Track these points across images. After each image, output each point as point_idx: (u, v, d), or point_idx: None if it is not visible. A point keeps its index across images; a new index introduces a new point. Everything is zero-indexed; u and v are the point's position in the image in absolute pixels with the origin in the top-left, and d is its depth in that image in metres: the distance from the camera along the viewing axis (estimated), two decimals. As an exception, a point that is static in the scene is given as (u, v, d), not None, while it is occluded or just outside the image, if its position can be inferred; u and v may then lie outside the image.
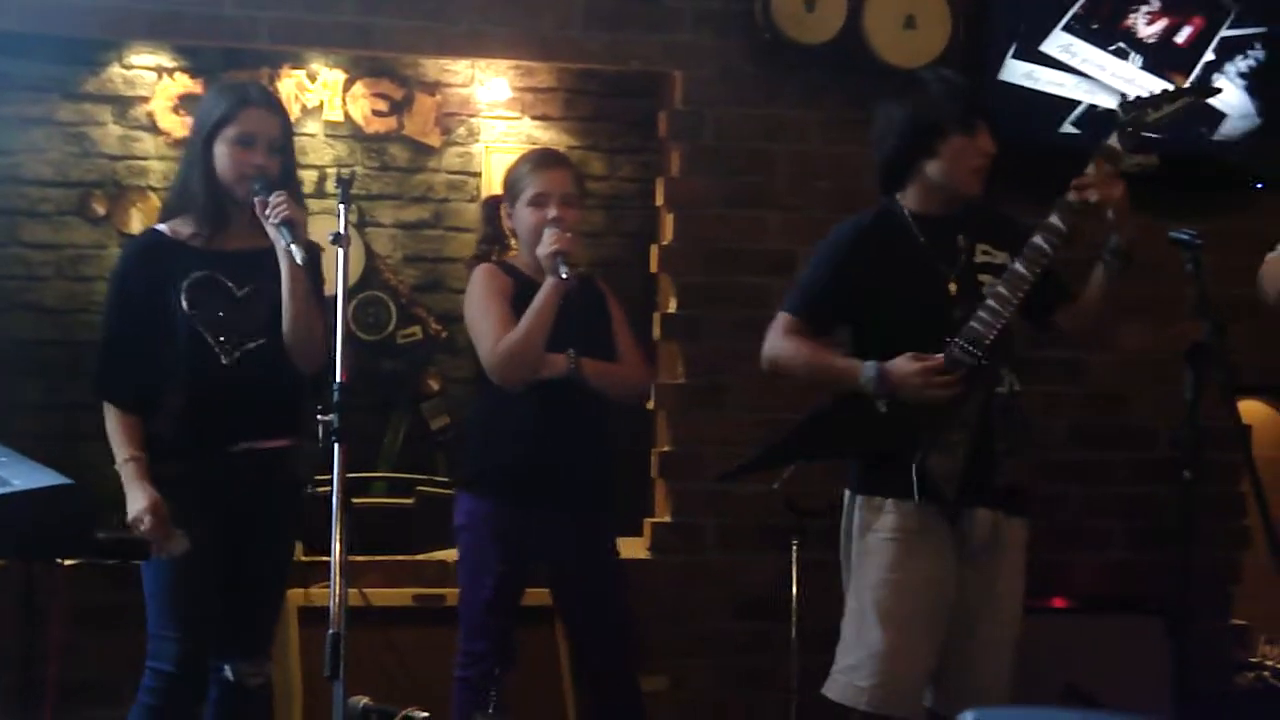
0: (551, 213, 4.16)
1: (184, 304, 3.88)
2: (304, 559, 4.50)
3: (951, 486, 3.72)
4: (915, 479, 3.72)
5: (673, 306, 5.33)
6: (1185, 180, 5.24)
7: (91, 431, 5.34)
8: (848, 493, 3.87)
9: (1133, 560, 5.42)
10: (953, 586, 3.77)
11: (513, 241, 4.36)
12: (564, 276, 4.08)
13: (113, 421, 3.94)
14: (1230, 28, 5.22)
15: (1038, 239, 3.69)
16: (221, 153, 3.91)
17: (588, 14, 5.18)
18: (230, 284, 3.92)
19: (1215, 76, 5.20)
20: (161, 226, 4.01)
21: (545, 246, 4.10)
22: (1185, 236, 3.60)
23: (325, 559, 3.51)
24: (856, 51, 5.22)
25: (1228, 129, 5.30)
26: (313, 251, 3.86)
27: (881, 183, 3.91)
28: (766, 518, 5.04)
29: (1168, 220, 3.74)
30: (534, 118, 5.78)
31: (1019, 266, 3.69)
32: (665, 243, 5.37)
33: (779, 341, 3.87)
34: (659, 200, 5.44)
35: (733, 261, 5.29)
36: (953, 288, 3.78)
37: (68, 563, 4.12)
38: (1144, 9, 5.22)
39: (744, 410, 5.14)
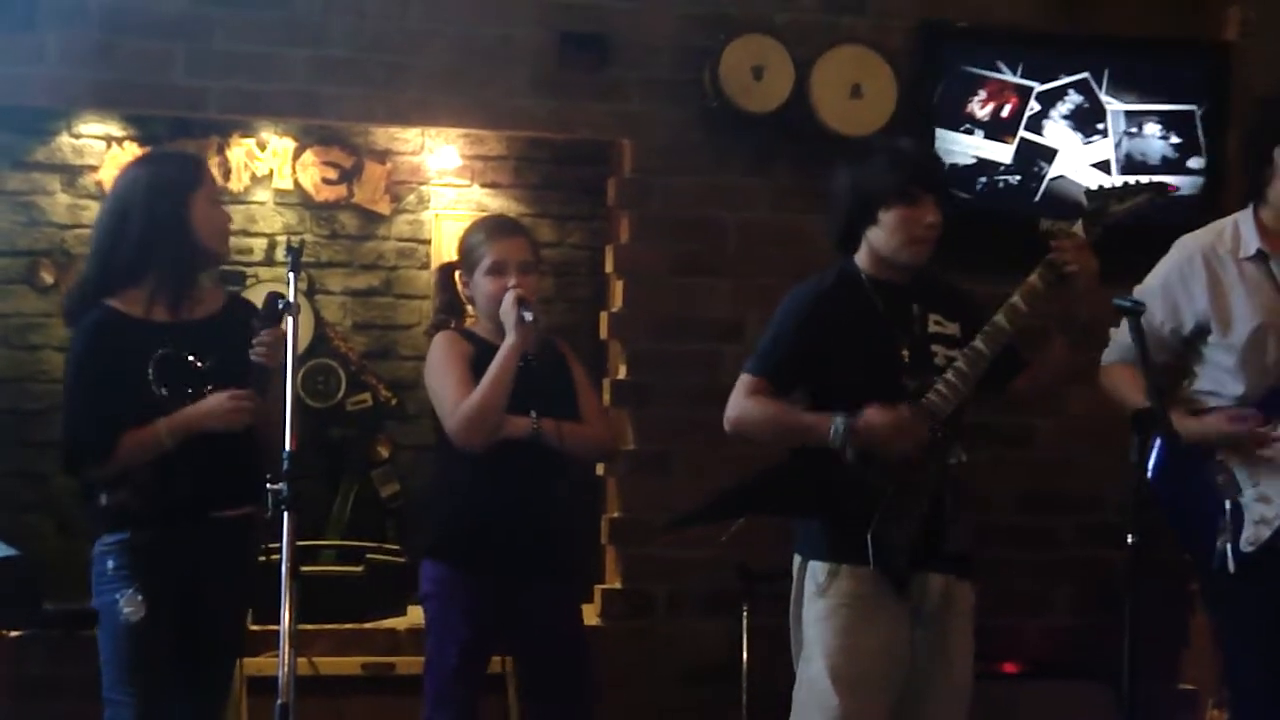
0: (510, 281, 4.17)
1: (151, 382, 3.86)
2: (253, 628, 4.47)
3: (903, 556, 3.73)
4: (870, 546, 3.73)
5: (622, 373, 5.34)
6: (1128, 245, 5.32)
7: (36, 501, 5.35)
8: (797, 558, 3.87)
9: (1081, 625, 5.44)
10: (906, 651, 3.78)
11: (470, 309, 4.36)
12: (529, 320, 4.09)
13: (111, 466, 3.85)
14: (1045, 82, 5.41)
15: (1000, 318, 3.73)
16: (201, 212, 3.92)
17: (537, 82, 5.21)
18: (193, 358, 3.91)
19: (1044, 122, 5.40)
20: (111, 303, 3.95)
21: (506, 303, 4.12)
22: (1128, 303, 3.65)
23: (274, 628, 3.49)
24: (804, 120, 5.27)
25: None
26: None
27: (836, 246, 3.95)
28: (717, 584, 5.04)
29: (1109, 285, 3.80)
30: (484, 185, 5.80)
31: (980, 345, 3.73)
32: (615, 309, 5.39)
33: (743, 402, 3.88)
34: (608, 267, 5.46)
35: (682, 328, 5.31)
36: (905, 354, 3.81)
37: (13, 634, 4.09)
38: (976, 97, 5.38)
39: (693, 477, 5.15)
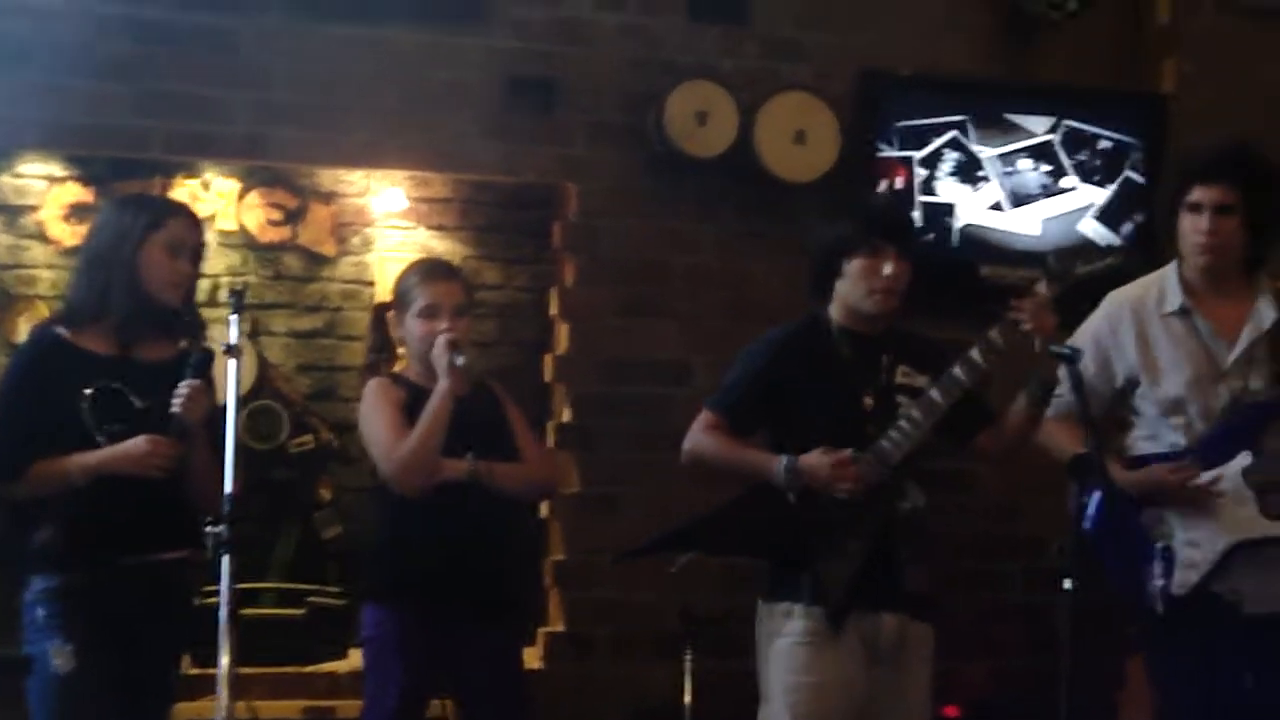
0: (443, 324, 4.17)
1: (83, 413, 3.83)
2: (191, 671, 4.42)
3: (838, 592, 3.76)
4: (808, 584, 3.77)
5: (567, 416, 5.35)
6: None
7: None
8: (760, 601, 3.91)
9: (1023, 668, 5.46)
10: (864, 689, 3.81)
11: (401, 350, 4.35)
12: (460, 364, 4.09)
13: (18, 488, 3.81)
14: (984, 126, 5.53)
15: (957, 370, 3.78)
16: (151, 259, 3.88)
17: (482, 126, 5.23)
18: (132, 396, 3.88)
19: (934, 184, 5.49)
20: (61, 330, 3.94)
21: (438, 347, 4.12)
22: (1065, 351, 3.68)
23: (212, 671, 3.46)
24: (748, 165, 5.31)
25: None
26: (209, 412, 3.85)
27: (812, 296, 3.98)
28: (660, 626, 5.04)
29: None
30: (429, 227, 5.80)
31: (935, 394, 3.78)
32: (560, 353, 5.39)
33: (699, 436, 3.95)
34: (553, 310, 5.47)
35: (627, 372, 5.33)
36: (869, 402, 3.84)
37: (-55, 680, 4.03)
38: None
39: (639, 519, 5.14)
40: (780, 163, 5.32)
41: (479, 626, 4.13)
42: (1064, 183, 5.55)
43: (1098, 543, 3.98)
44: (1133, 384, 4.07)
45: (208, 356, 3.85)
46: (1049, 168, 5.55)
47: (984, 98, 5.52)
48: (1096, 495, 3.99)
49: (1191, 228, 4.01)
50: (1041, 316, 3.75)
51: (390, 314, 4.33)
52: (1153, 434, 4.07)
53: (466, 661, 4.14)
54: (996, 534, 5.58)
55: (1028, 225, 5.52)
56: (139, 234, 3.89)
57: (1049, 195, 5.54)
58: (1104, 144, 5.57)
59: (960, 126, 5.48)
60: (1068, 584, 3.39)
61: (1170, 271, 4.09)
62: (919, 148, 5.45)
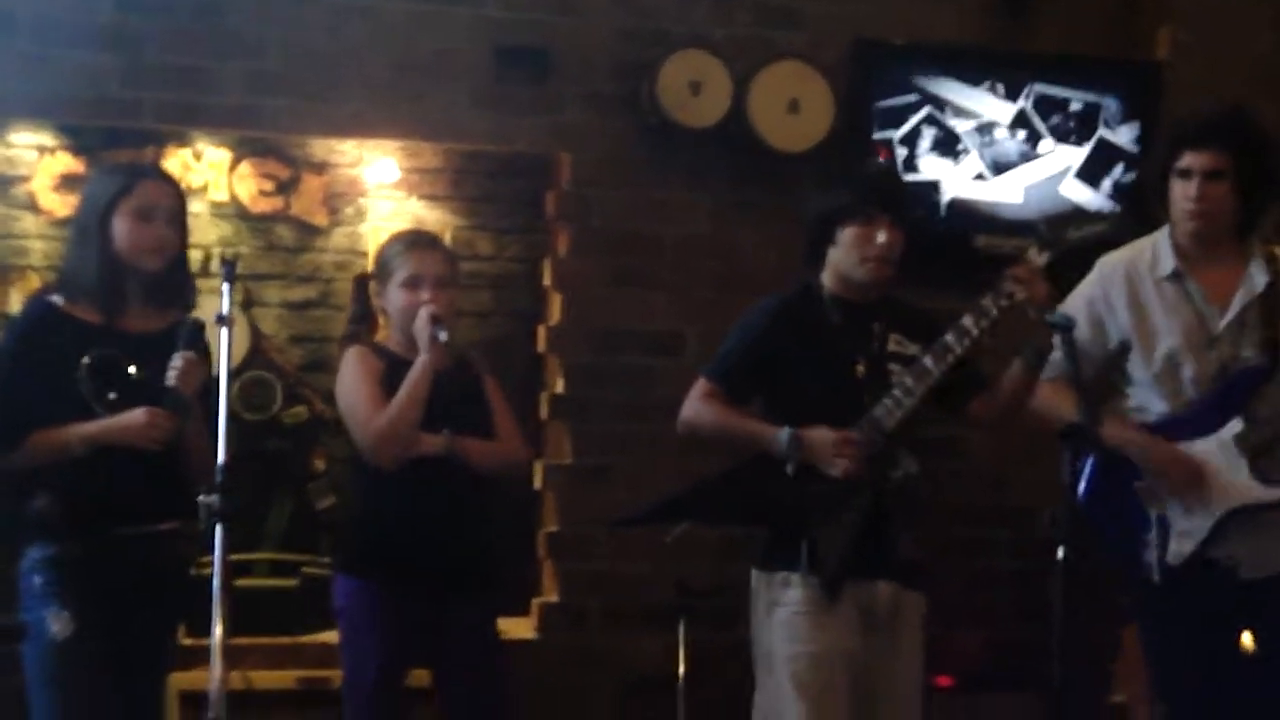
0: (425, 296, 4.15)
1: (80, 382, 3.82)
2: (185, 642, 4.42)
3: (832, 562, 3.77)
4: (804, 552, 3.77)
5: (560, 387, 5.35)
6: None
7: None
8: (754, 571, 3.91)
9: (1015, 638, 5.47)
10: (861, 656, 3.82)
11: (382, 320, 4.34)
12: (443, 339, 4.08)
13: (15, 457, 3.81)
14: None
15: (949, 337, 3.79)
16: (121, 227, 3.87)
17: (474, 95, 5.22)
18: (127, 366, 3.88)
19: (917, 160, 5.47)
20: (55, 299, 3.94)
21: (421, 320, 4.10)
22: (1060, 319, 3.68)
23: (206, 642, 3.47)
24: (741, 135, 5.30)
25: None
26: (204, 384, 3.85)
27: (806, 264, 3.98)
28: (653, 597, 5.05)
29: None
30: (421, 197, 5.79)
31: (927, 361, 3.79)
32: (553, 323, 5.39)
33: (696, 404, 3.95)
34: (546, 281, 5.47)
35: (620, 342, 5.32)
36: (860, 370, 3.85)
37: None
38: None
39: (632, 490, 5.15)
40: (774, 132, 5.31)
41: (453, 599, 4.13)
42: (1041, 147, 5.55)
43: (1091, 512, 3.99)
44: (1125, 347, 4.07)
45: (198, 326, 3.85)
46: (1024, 133, 5.55)
47: (975, 65, 5.51)
48: (1090, 464, 4.00)
49: (1182, 194, 4.00)
50: (1034, 284, 3.75)
51: (372, 284, 4.31)
52: (1143, 403, 4.07)
53: (442, 634, 4.14)
54: (987, 502, 5.59)
55: (1011, 193, 5.52)
56: (107, 201, 3.88)
57: (1028, 161, 5.54)
58: (1075, 105, 5.56)
59: (935, 101, 5.46)
60: (1061, 553, 3.39)
61: (1162, 236, 4.09)
62: (897, 126, 5.44)
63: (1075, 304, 4.08)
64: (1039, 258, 3.79)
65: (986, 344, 3.81)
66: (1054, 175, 5.54)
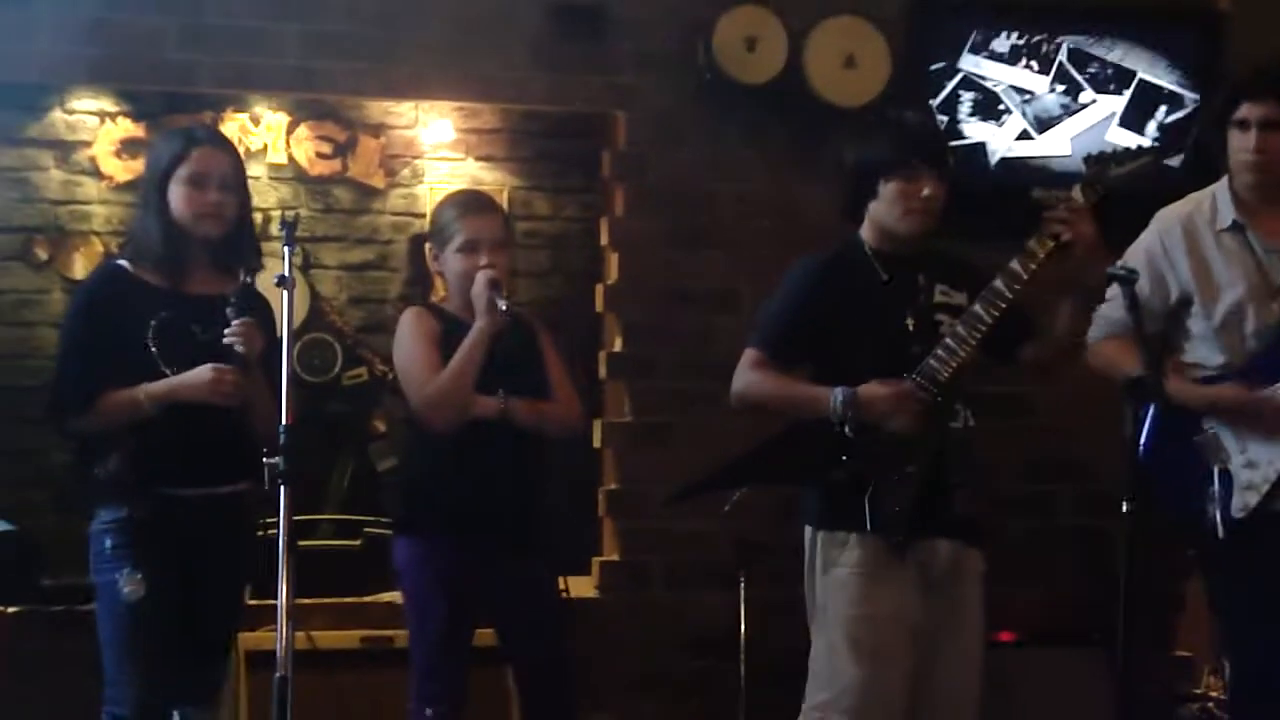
0: (483, 260, 4.15)
1: (149, 344, 3.86)
2: (251, 602, 4.47)
3: (901, 521, 3.75)
4: (868, 512, 3.75)
5: (618, 345, 5.35)
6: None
7: (33, 478, 5.35)
8: (809, 529, 3.89)
9: (1077, 593, 5.45)
10: (919, 616, 3.80)
11: (438, 282, 4.35)
12: (503, 308, 4.08)
13: (88, 419, 3.85)
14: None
15: (998, 283, 3.74)
16: (176, 194, 3.90)
17: (531, 56, 5.21)
18: (194, 328, 3.91)
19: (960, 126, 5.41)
20: (123, 262, 3.99)
21: (479, 285, 4.11)
22: (1123, 271, 3.65)
23: (272, 602, 3.49)
24: (797, 91, 5.27)
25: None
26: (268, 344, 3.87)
27: (845, 218, 3.96)
28: (714, 555, 5.05)
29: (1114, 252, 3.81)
30: (478, 159, 5.80)
31: (978, 308, 3.75)
32: (610, 282, 5.39)
33: (746, 375, 3.91)
34: (603, 240, 5.46)
35: (677, 300, 5.31)
36: (910, 324, 3.82)
37: (11, 610, 4.09)
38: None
39: (690, 448, 5.15)
40: (830, 88, 5.27)
41: (509, 559, 4.15)
42: (1083, 98, 5.49)
43: (1152, 467, 3.96)
44: (1186, 301, 4.03)
45: (250, 289, 3.87)
46: (1064, 87, 5.49)
47: (1032, 17, 5.45)
48: (1149, 419, 3.96)
49: (1239, 145, 3.96)
50: (1079, 225, 3.71)
51: (428, 246, 4.32)
52: (1201, 357, 4.03)
53: (502, 592, 4.16)
54: (1049, 457, 5.56)
55: (1058, 147, 5.47)
56: (164, 169, 3.91)
57: (1071, 114, 5.49)
58: (1116, 54, 5.50)
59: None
60: (1126, 507, 3.37)
61: (1220, 188, 4.04)
62: (934, 95, 5.38)
63: (1135, 258, 4.03)
64: (1082, 197, 3.75)
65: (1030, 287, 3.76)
66: (1098, 123, 5.49)
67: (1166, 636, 5.37)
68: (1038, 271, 3.74)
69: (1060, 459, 5.55)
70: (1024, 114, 5.47)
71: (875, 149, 3.86)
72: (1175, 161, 5.39)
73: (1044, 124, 5.49)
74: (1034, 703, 4.82)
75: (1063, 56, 5.47)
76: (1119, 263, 3.75)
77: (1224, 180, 4.04)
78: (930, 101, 5.35)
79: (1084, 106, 5.50)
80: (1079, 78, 5.49)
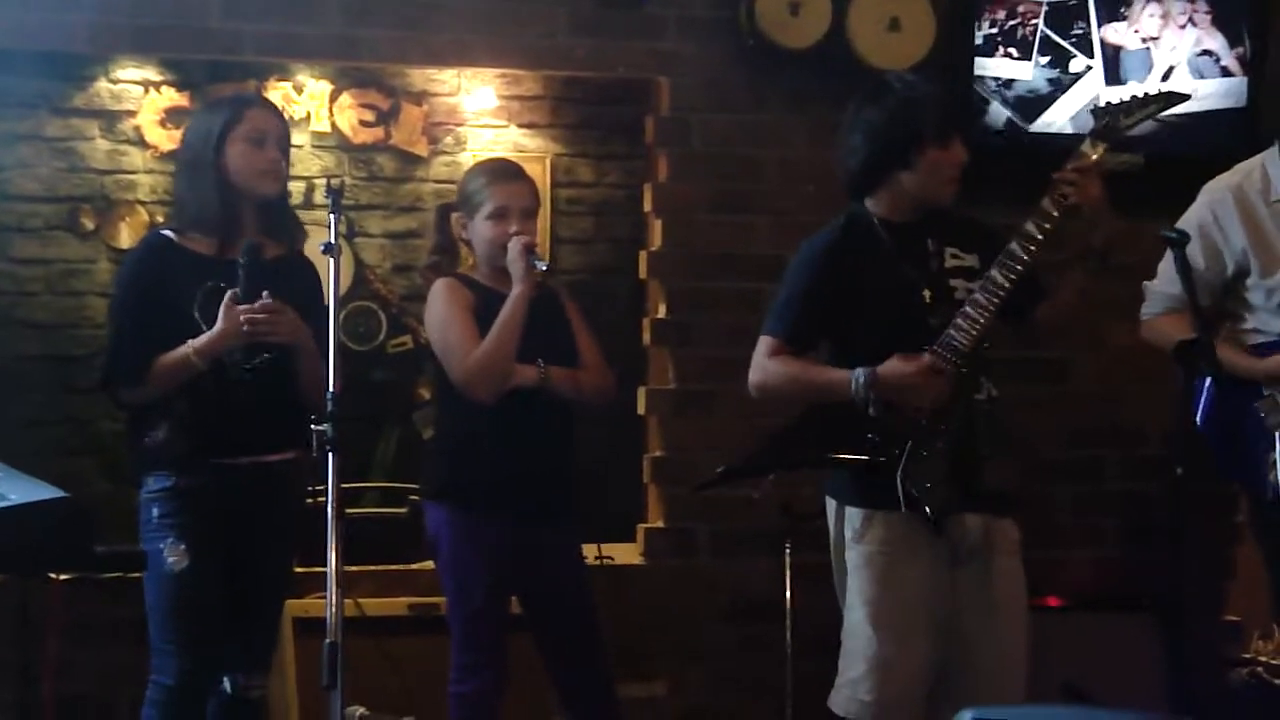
0: (513, 228, 4.14)
1: (196, 313, 3.88)
2: (299, 570, 4.49)
3: (934, 497, 3.72)
4: (900, 490, 3.72)
5: (662, 312, 5.34)
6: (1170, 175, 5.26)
7: (83, 446, 5.38)
8: (833, 503, 3.87)
9: (1125, 558, 5.43)
10: (947, 592, 3.77)
11: (465, 251, 4.34)
12: (541, 269, 4.08)
13: (143, 388, 3.89)
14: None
15: (1014, 246, 3.69)
16: (235, 153, 3.93)
17: (573, 22, 5.19)
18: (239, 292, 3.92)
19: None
20: (168, 232, 4.01)
21: (514, 251, 4.10)
22: (1173, 234, 3.62)
23: (319, 570, 3.51)
24: (841, 55, 5.23)
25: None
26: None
27: (851, 189, 3.91)
28: (759, 522, 5.04)
29: (1158, 218, 3.76)
30: (520, 125, 5.78)
31: (995, 274, 3.69)
32: (654, 249, 5.38)
33: (764, 364, 3.88)
34: (647, 206, 5.45)
35: (721, 266, 5.30)
36: (927, 295, 3.78)
37: (63, 577, 4.12)
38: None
39: (735, 415, 5.14)
40: (874, 51, 5.23)
41: (543, 527, 4.15)
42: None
43: (1209, 433, 3.93)
44: (1242, 273, 3.99)
45: (253, 248, 3.87)
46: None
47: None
48: (1207, 386, 3.93)
49: None
50: (1087, 184, 3.65)
51: (455, 215, 4.31)
52: (1262, 323, 4.00)
53: (532, 562, 4.17)
54: (1095, 423, 5.53)
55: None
56: (219, 131, 3.92)
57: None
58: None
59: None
60: (1178, 471, 3.35)
61: (1269, 158, 4.01)
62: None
63: (1187, 230, 3.99)
64: (1092, 152, 3.69)
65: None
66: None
67: (1217, 601, 5.35)
68: (1052, 231, 3.68)
69: (1105, 424, 5.52)
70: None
71: (909, 117, 3.78)
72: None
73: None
74: (1083, 667, 4.80)
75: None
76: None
77: (1272, 150, 4.00)
78: (974, 64, 5.30)
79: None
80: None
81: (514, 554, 4.16)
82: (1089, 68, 5.33)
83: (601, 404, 4.43)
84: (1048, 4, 5.28)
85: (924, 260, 3.81)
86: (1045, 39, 5.30)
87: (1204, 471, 3.59)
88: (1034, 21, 5.31)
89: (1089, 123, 3.80)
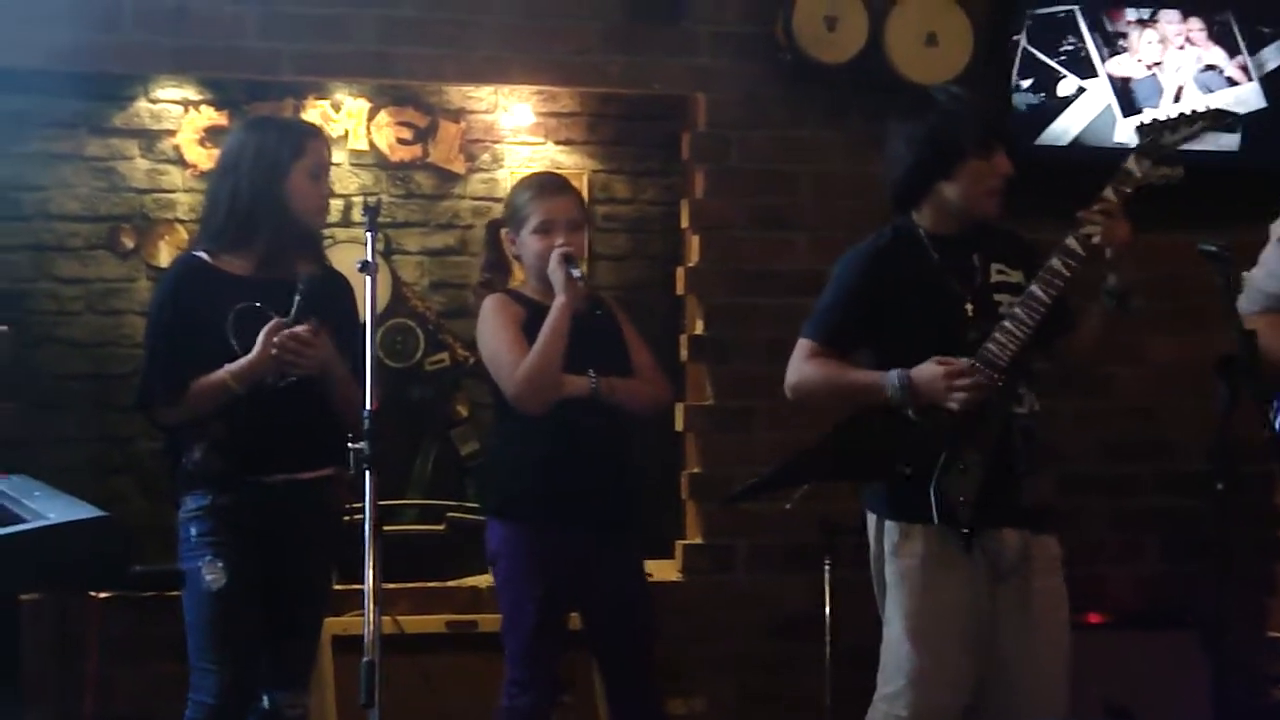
0: (559, 240, 4.15)
1: (231, 334, 3.89)
2: (337, 587, 4.50)
3: (966, 511, 3.69)
4: (934, 502, 3.70)
5: (700, 328, 5.33)
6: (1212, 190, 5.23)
7: (122, 464, 5.41)
8: (873, 516, 3.85)
9: (1167, 574, 5.40)
10: (987, 607, 3.75)
11: (516, 266, 4.35)
12: (577, 275, 4.08)
13: (180, 409, 3.91)
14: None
15: (1055, 261, 3.67)
16: (297, 185, 3.94)
17: (608, 38, 5.20)
18: (275, 315, 3.93)
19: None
20: (200, 253, 4.01)
21: (553, 262, 4.11)
22: (1214, 249, 3.58)
23: (357, 587, 3.51)
24: (878, 70, 5.23)
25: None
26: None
27: (894, 202, 3.90)
28: (798, 537, 5.03)
29: (1199, 232, 3.72)
30: (557, 142, 5.79)
31: (1036, 289, 3.68)
32: (691, 265, 5.37)
33: (801, 366, 3.87)
34: (684, 223, 5.45)
35: (758, 282, 5.30)
36: (969, 308, 3.76)
37: (102, 595, 4.14)
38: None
39: (773, 431, 5.14)
40: (912, 66, 5.22)
41: (603, 540, 4.14)
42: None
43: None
44: None
45: (313, 281, 3.91)
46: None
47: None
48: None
49: None
50: (1112, 226, 3.63)
51: (504, 231, 4.32)
52: None
53: (593, 575, 4.16)
54: (1133, 437, 5.50)
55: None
56: (286, 161, 3.93)
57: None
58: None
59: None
60: (1219, 486, 3.31)
61: None
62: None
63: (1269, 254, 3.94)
64: (1136, 169, 3.66)
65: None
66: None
67: (1259, 616, 5.30)
68: (1096, 250, 3.66)
69: (1144, 438, 5.48)
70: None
71: (952, 128, 3.78)
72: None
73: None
74: (1125, 684, 4.77)
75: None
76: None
77: None
78: (1010, 78, 5.28)
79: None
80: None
81: (571, 569, 4.15)
82: (1081, 89, 5.32)
83: (656, 413, 4.42)
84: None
85: (969, 274, 3.80)
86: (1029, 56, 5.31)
87: (1245, 486, 3.55)
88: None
89: (1090, 138, 3.76)
